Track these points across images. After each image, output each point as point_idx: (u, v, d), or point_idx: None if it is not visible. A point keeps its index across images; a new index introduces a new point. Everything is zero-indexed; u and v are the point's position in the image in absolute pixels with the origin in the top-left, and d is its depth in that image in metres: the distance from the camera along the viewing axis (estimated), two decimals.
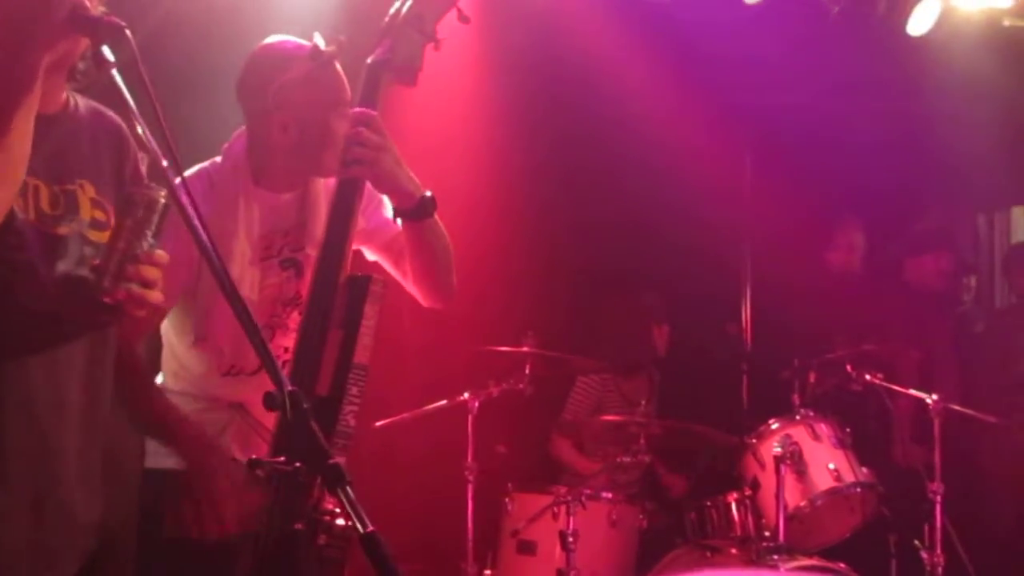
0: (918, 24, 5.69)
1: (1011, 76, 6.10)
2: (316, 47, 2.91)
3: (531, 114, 5.76)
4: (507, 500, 4.88)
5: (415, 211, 2.82)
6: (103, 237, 2.30)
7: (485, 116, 5.51)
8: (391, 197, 2.87)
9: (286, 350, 2.89)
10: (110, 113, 2.47)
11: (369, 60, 2.79)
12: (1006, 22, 5.86)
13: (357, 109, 2.76)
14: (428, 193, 2.82)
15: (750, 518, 4.82)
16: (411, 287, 3.05)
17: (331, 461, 1.98)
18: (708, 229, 6.11)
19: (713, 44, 5.69)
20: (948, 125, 6.36)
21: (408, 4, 2.79)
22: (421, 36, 2.78)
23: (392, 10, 2.81)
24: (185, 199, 2.14)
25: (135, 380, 2.70)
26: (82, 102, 2.44)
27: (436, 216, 2.87)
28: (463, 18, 2.85)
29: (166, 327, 3.01)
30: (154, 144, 2.13)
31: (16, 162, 2.14)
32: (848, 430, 4.89)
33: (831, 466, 4.74)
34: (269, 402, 2.13)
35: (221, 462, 2.75)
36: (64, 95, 2.40)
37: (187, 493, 2.70)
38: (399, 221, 2.95)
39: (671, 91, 5.69)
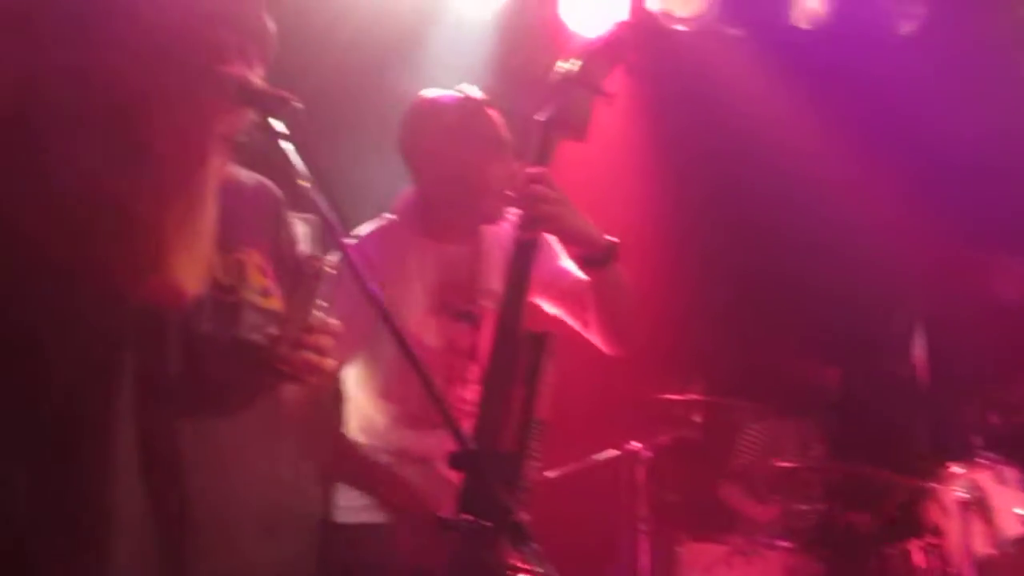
0: None
1: None
2: (468, 96, 2.95)
3: (692, 160, 5.72)
4: (680, 549, 4.80)
5: (601, 258, 2.82)
6: (271, 304, 2.39)
7: (646, 163, 5.51)
8: (576, 246, 2.87)
9: (465, 402, 2.91)
10: (266, 182, 2.54)
11: (539, 117, 2.80)
12: None
13: (530, 168, 2.77)
14: (612, 239, 2.82)
15: (935, 566, 4.64)
16: (593, 335, 3.03)
17: (516, 518, 1.98)
18: (876, 267, 5.95)
19: (866, 76, 5.61)
20: None
21: (578, 60, 2.80)
22: (590, 91, 2.79)
23: (561, 66, 2.83)
24: (359, 257, 2.18)
25: (328, 436, 2.78)
26: (242, 171, 2.51)
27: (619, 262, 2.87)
28: (632, 71, 2.86)
29: (352, 381, 3.06)
30: (324, 207, 2.18)
31: (202, 234, 2.21)
32: None
33: (1020, 512, 4.55)
34: (455, 461, 2.15)
35: (421, 512, 2.77)
36: (227, 166, 2.47)
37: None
38: (572, 268, 2.97)
39: (831, 130, 5.60)
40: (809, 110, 5.59)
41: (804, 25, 5.34)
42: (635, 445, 4.76)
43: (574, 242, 2.86)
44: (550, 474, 4.74)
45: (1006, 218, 6.02)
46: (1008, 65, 5.64)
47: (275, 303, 2.37)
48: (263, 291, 2.42)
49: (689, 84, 5.58)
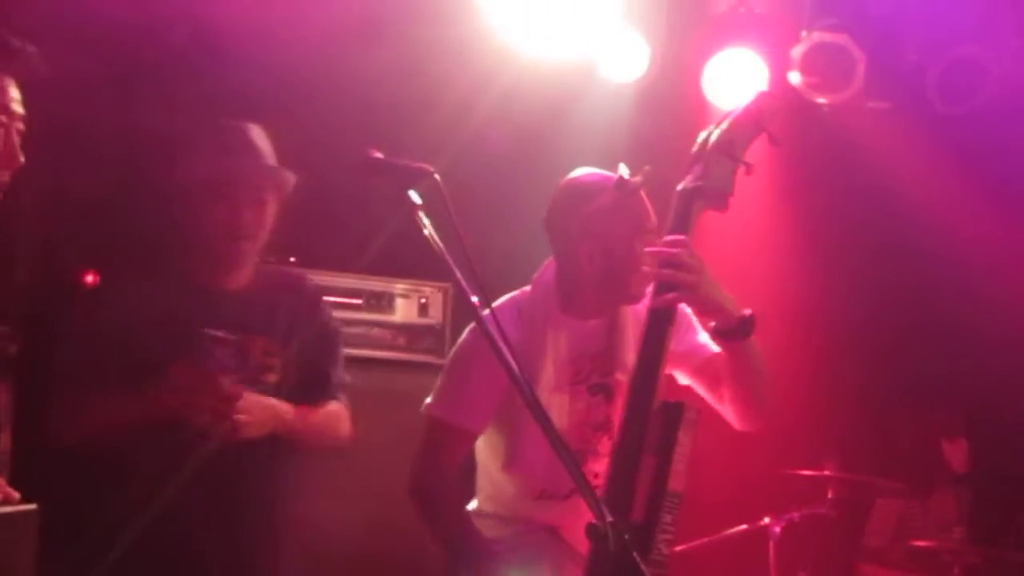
0: None
1: None
2: (622, 178, 2.98)
3: (837, 234, 5.67)
4: None
5: (736, 331, 2.81)
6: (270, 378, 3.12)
7: (791, 237, 5.48)
8: (711, 317, 2.87)
9: (596, 475, 2.92)
10: (290, 271, 3.18)
11: (680, 186, 2.83)
12: None
13: (670, 236, 2.79)
14: (748, 312, 2.81)
15: None
16: (726, 409, 3.03)
17: None
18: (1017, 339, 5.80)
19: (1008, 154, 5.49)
20: None
21: (719, 130, 2.82)
22: (732, 161, 2.80)
23: (703, 136, 2.85)
24: (494, 328, 2.24)
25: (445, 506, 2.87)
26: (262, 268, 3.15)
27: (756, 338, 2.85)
28: (774, 141, 2.86)
29: (481, 450, 3.10)
30: (461, 277, 2.24)
31: None
32: None
33: None
34: (591, 532, 2.17)
35: None
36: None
37: None
38: (707, 341, 2.97)
39: (971, 204, 5.50)
40: (960, 185, 5.50)
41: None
42: (766, 521, 4.69)
43: (710, 313, 2.85)
44: (680, 548, 4.71)
45: None
46: None
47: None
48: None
49: (834, 158, 5.54)
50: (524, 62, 4.78)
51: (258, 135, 3.21)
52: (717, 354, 2.97)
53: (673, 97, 5.21)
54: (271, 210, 3.17)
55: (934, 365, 5.63)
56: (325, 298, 3.42)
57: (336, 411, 3.29)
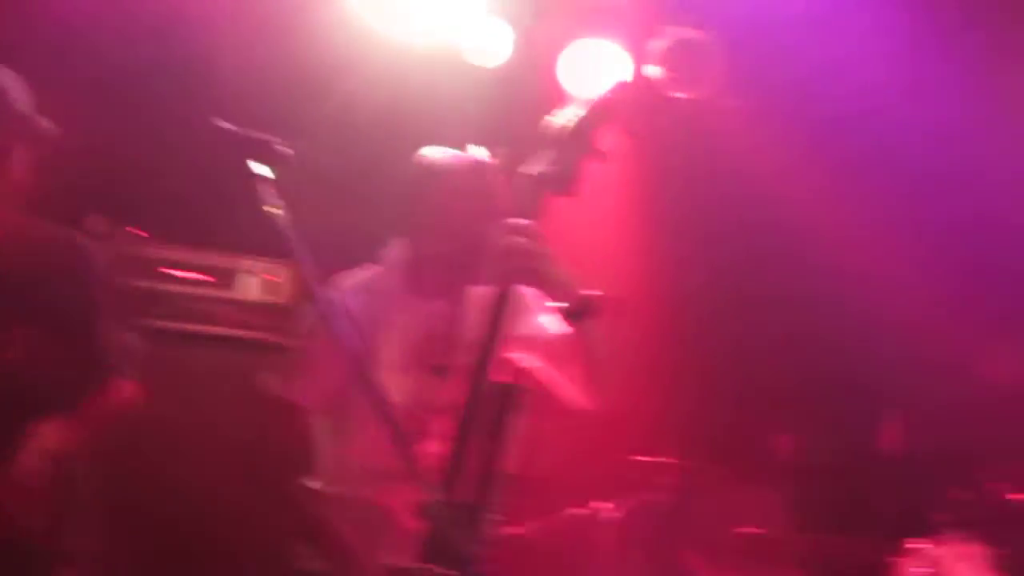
0: None
1: None
2: (473, 158, 2.99)
3: (688, 226, 5.77)
4: None
5: (580, 311, 2.84)
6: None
7: (643, 225, 5.56)
8: (556, 299, 2.89)
9: (433, 456, 2.93)
10: (55, 230, 2.95)
11: (527, 170, 2.85)
12: None
13: (515, 219, 2.81)
14: (591, 292, 2.84)
15: None
16: (566, 391, 3.06)
17: (476, 570, 2.00)
18: (857, 343, 6.01)
19: (856, 154, 5.68)
20: None
21: (571, 116, 2.84)
22: (582, 148, 2.82)
23: (555, 122, 2.86)
24: (337, 306, 2.23)
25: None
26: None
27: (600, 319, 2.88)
28: (629, 132, 2.90)
29: (321, 429, 3.09)
30: (302, 253, 2.23)
31: None
32: (999, 552, 4.72)
33: None
34: (420, 511, 2.19)
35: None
36: None
37: None
38: (550, 323, 2.99)
39: (825, 203, 5.66)
40: (812, 184, 5.65)
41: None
42: (604, 505, 4.77)
43: (553, 294, 2.88)
44: (516, 530, 4.76)
45: (996, 301, 6.08)
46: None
47: None
48: None
49: (689, 150, 5.64)
50: (388, 46, 4.77)
51: (8, 79, 3.05)
52: (558, 335, 3.00)
53: (533, 83, 5.25)
54: (20, 161, 3.01)
55: (768, 359, 5.80)
56: (108, 260, 3.24)
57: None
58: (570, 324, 2.88)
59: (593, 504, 4.80)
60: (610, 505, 4.77)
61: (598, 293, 2.83)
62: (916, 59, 5.35)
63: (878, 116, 5.51)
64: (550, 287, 2.84)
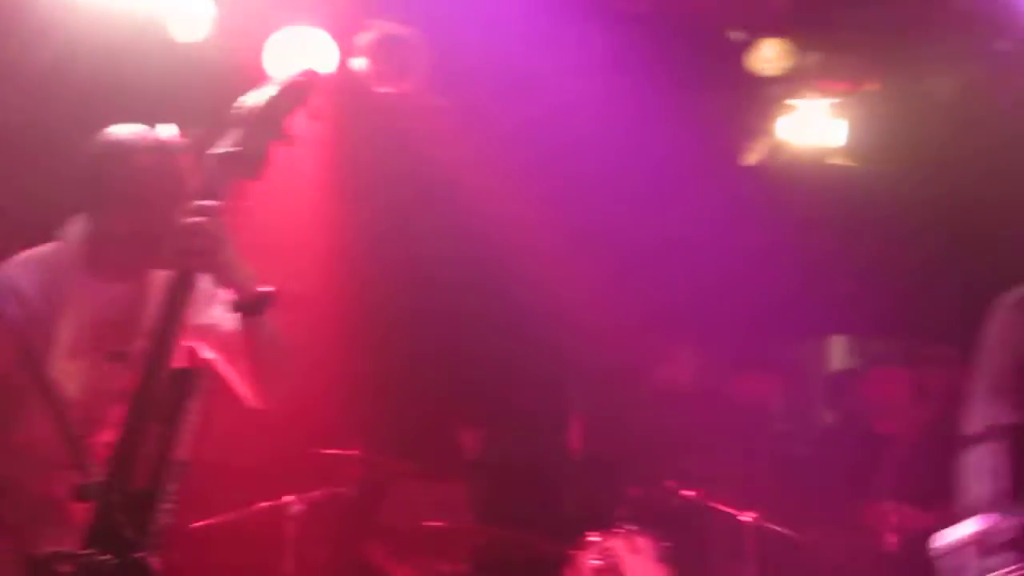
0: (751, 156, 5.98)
1: (836, 210, 6.43)
2: (163, 138, 2.90)
3: (379, 223, 5.79)
4: None
5: (253, 305, 2.78)
6: None
7: (332, 219, 5.52)
8: (230, 290, 2.82)
9: (107, 446, 2.81)
10: None
11: (214, 151, 2.77)
12: (831, 160, 6.19)
13: (198, 201, 2.72)
14: (267, 288, 2.79)
15: None
16: (243, 386, 2.99)
17: (139, 555, 1.94)
18: (541, 342, 6.19)
19: (557, 163, 5.88)
20: (778, 254, 6.65)
21: (260, 99, 2.78)
22: (270, 132, 2.77)
23: (242, 103, 2.80)
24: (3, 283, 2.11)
25: None
26: None
27: (274, 315, 2.84)
28: (316, 116, 2.87)
29: None
30: None
31: None
32: (667, 544, 4.97)
33: None
34: (80, 493, 2.10)
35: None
36: None
37: None
38: (229, 316, 2.92)
39: (512, 207, 5.81)
40: (506, 186, 5.78)
41: None
42: (287, 499, 4.71)
43: (228, 284, 2.80)
44: (201, 523, 4.64)
45: (677, 307, 6.42)
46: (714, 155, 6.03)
47: None
48: None
49: (388, 145, 5.66)
50: (88, 14, 4.57)
51: None
52: (234, 331, 2.93)
53: (236, 65, 5.13)
54: None
55: (456, 356, 5.90)
56: None
57: None
58: (245, 318, 2.81)
59: (279, 497, 4.72)
60: (295, 498, 4.71)
61: (272, 289, 2.78)
62: (613, 77, 5.58)
63: (572, 126, 5.72)
64: (225, 277, 2.77)
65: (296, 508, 4.69)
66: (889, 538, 5.04)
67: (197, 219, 2.66)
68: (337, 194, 5.53)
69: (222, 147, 2.76)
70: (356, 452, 4.87)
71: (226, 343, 2.96)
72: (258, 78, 5.01)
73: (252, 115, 2.77)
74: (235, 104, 2.81)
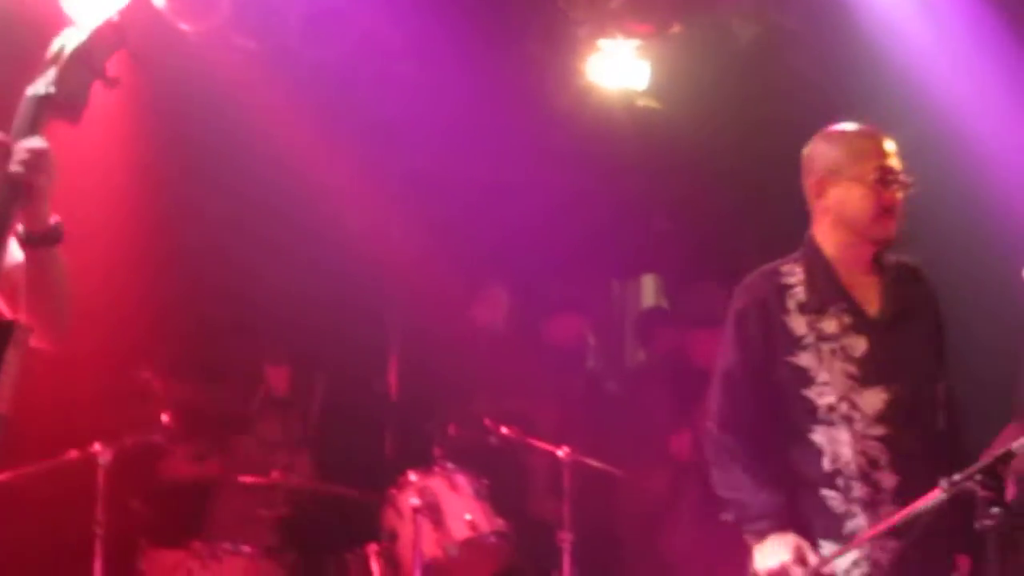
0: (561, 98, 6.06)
1: (646, 152, 6.56)
2: None
3: (180, 161, 5.64)
4: (140, 557, 4.70)
5: (45, 237, 2.67)
6: None
7: (133, 156, 5.37)
8: (26, 218, 2.69)
9: None
10: None
11: (30, 92, 2.64)
12: (640, 102, 6.30)
13: (9, 140, 2.59)
14: (56, 219, 2.68)
15: (389, 569, 4.86)
16: (34, 325, 2.87)
17: None
18: (357, 284, 6.17)
19: (371, 105, 5.84)
20: (590, 196, 6.76)
21: (78, 39, 2.67)
22: (90, 73, 2.67)
23: (58, 43, 2.68)
24: None
25: None
26: None
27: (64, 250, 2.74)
28: (133, 58, 2.77)
29: None
30: None
31: None
32: (485, 481, 5.04)
33: (467, 517, 4.87)
34: None
35: None
36: None
37: None
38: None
39: (324, 147, 5.76)
40: (311, 129, 5.72)
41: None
42: (96, 447, 4.58)
43: (31, 209, 2.68)
44: (3, 477, 4.47)
45: (491, 248, 6.47)
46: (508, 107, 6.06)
47: None
48: None
49: (196, 88, 5.52)
50: None
51: None
52: (17, 265, 2.81)
53: (29, 5, 4.91)
54: None
55: (260, 292, 5.82)
56: None
57: None
58: (28, 249, 2.70)
59: (83, 448, 4.58)
60: (103, 446, 4.58)
61: (59, 221, 2.68)
62: (423, 20, 5.57)
63: (382, 69, 5.70)
64: (33, 207, 2.66)
65: (106, 456, 4.56)
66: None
67: (39, 154, 2.53)
68: (140, 133, 5.37)
69: (41, 88, 2.63)
70: (168, 396, 4.76)
71: (6, 279, 2.84)
72: (58, 18, 4.85)
73: (72, 56, 2.65)
74: (52, 45, 2.69)
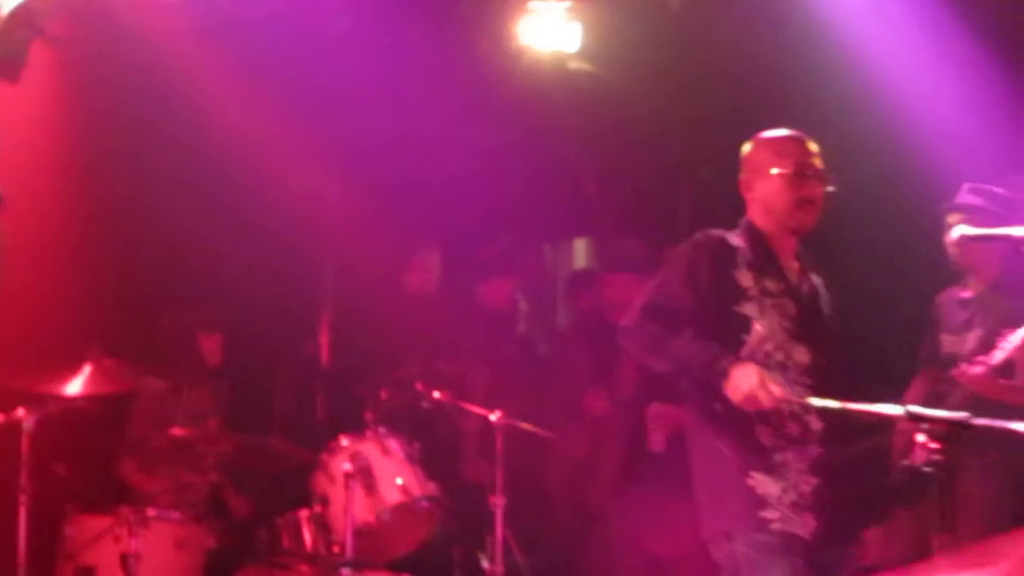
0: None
1: (578, 115, 6.55)
2: None
3: (106, 124, 5.53)
4: (66, 523, 4.63)
5: None
6: None
7: (66, 123, 5.24)
8: None
9: None
10: None
11: None
12: (572, 65, 6.28)
13: None
14: None
15: (320, 534, 4.83)
16: None
17: None
18: (288, 248, 6.10)
19: (300, 66, 5.77)
20: (522, 159, 6.74)
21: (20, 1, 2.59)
22: (30, 31, 2.60)
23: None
24: None
25: None
26: None
27: None
28: (48, 40, 2.72)
29: None
30: None
31: None
32: (417, 445, 5.02)
33: (399, 481, 4.85)
34: None
35: None
36: None
37: None
38: None
39: (255, 110, 5.69)
40: (240, 91, 5.64)
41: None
42: (20, 412, 4.48)
43: None
44: None
45: (423, 216, 6.44)
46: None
47: None
48: None
49: (120, 50, 5.40)
50: None
51: None
52: None
53: None
54: None
55: (193, 262, 5.74)
56: None
57: None
58: None
59: (11, 411, 4.49)
60: (26, 412, 4.48)
61: None
62: None
63: (308, 30, 5.64)
64: None
65: (29, 422, 4.46)
66: (655, 438, 5.16)
67: None
68: (68, 101, 5.24)
69: None
70: (96, 363, 4.67)
71: None
72: None
73: (11, 16, 2.58)
74: None
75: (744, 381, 3.28)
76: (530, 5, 5.90)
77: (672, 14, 6.11)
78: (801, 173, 3.54)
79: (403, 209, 6.34)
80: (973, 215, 4.62)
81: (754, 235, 3.60)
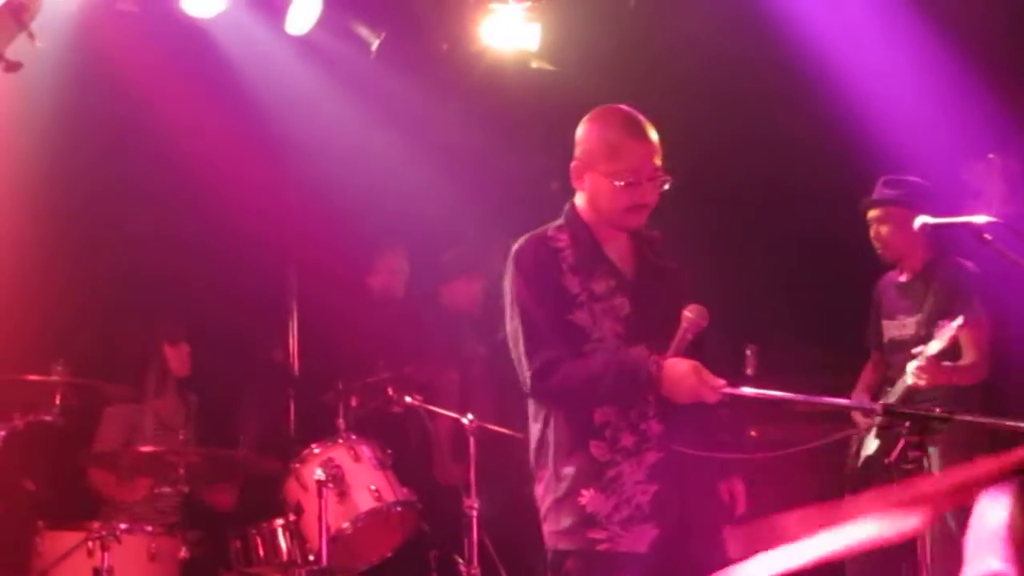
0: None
1: (541, 114, 6.54)
2: None
3: (67, 134, 5.48)
4: (37, 539, 4.59)
5: None
6: None
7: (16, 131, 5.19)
8: None
9: None
10: None
11: None
12: (534, 64, 6.28)
13: None
14: None
15: (295, 543, 4.81)
16: None
17: None
18: (252, 254, 6.06)
19: (256, 71, 5.75)
20: (485, 158, 6.72)
21: None
22: (17, 26, 2.58)
23: None
24: None
25: None
26: None
27: None
28: (31, 38, 2.69)
29: None
30: None
31: None
32: (389, 451, 5.01)
33: (372, 487, 4.83)
34: None
35: None
36: None
37: None
38: None
39: (215, 116, 5.66)
40: (202, 99, 5.62)
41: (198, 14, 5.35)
42: None
43: None
44: None
45: (388, 218, 6.40)
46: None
47: None
48: None
49: (76, 59, 5.35)
50: None
51: None
52: None
53: None
54: None
55: (157, 272, 5.70)
56: None
57: None
58: None
59: None
60: None
61: None
62: None
63: (274, 37, 5.62)
64: None
65: None
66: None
67: None
68: (26, 111, 5.20)
69: None
70: (59, 377, 4.62)
71: None
72: None
73: None
74: None
75: (682, 380, 3.15)
76: (490, 6, 5.89)
77: (631, 10, 6.13)
78: (635, 181, 3.29)
79: (368, 213, 6.31)
80: (894, 208, 4.86)
81: (578, 228, 3.38)
